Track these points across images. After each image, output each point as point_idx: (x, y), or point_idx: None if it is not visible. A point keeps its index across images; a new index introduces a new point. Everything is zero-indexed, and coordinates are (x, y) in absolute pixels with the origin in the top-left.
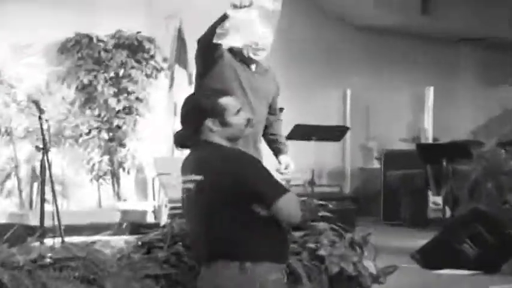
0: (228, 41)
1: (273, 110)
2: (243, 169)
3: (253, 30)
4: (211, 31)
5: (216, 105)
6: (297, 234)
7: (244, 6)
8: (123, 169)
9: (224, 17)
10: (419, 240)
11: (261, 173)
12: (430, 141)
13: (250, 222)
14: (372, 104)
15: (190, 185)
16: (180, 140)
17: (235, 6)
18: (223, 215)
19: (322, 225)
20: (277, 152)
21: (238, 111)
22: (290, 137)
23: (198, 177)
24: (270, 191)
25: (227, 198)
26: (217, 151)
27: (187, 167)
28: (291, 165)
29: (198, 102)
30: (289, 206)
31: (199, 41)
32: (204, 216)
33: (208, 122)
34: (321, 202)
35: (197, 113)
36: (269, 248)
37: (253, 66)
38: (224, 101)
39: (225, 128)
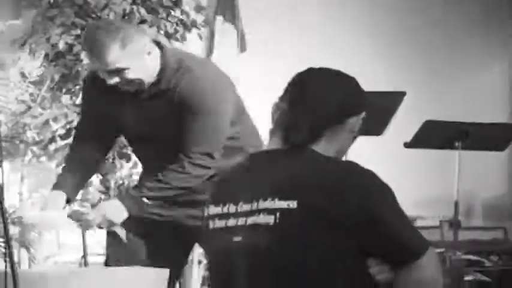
0: None
1: None
2: (377, 200)
3: None
4: None
5: (362, 97)
6: None
7: None
8: None
9: None
10: None
11: (399, 213)
12: None
13: None
14: None
15: (266, 218)
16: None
17: None
18: (318, 278)
19: None
20: None
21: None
22: (415, 143)
23: (289, 203)
24: (410, 240)
25: (343, 241)
26: (332, 163)
27: (254, 185)
28: None
29: (345, 84)
30: (431, 271)
31: None
32: (292, 276)
33: (353, 120)
34: (470, 257)
35: (345, 103)
36: None
37: None
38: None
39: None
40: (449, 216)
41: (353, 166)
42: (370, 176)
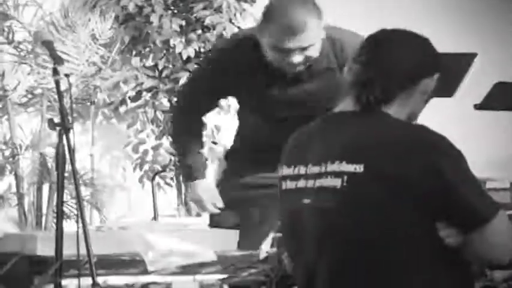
0: None
1: None
2: (448, 165)
3: None
4: None
5: (437, 58)
6: (498, 275)
7: None
8: None
9: None
10: None
11: (471, 178)
12: None
13: (424, 255)
14: None
15: (334, 180)
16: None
17: None
18: (387, 240)
19: None
20: None
21: None
22: (486, 105)
23: (355, 167)
24: (482, 206)
25: (414, 206)
26: (403, 126)
27: (320, 149)
28: None
29: (422, 42)
30: (501, 235)
31: None
32: (358, 239)
33: (427, 81)
34: None
35: (422, 61)
36: None
37: None
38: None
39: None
40: None
41: (424, 131)
42: (442, 141)
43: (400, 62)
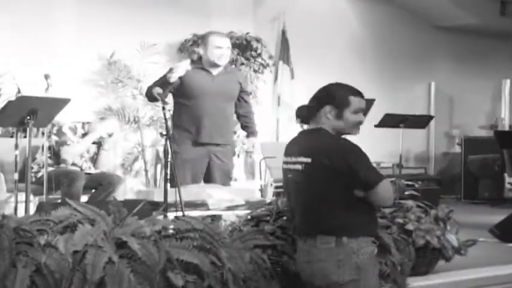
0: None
1: (244, 102)
2: (351, 157)
3: None
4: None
5: (343, 97)
6: (387, 210)
7: None
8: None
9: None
10: (497, 216)
11: (364, 162)
12: (507, 128)
13: (349, 203)
14: (455, 96)
15: (299, 166)
16: (300, 114)
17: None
18: (327, 195)
19: (409, 202)
20: (248, 134)
21: (358, 112)
22: (380, 124)
23: (307, 159)
24: (371, 177)
25: (333, 180)
26: (330, 138)
27: (295, 149)
28: (256, 145)
29: (330, 88)
30: (385, 192)
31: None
32: (309, 195)
33: (327, 108)
34: (408, 182)
35: (324, 96)
36: (363, 225)
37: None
38: (353, 98)
39: (338, 120)
40: (396, 162)
41: (340, 139)
42: (348, 144)
43: (318, 94)
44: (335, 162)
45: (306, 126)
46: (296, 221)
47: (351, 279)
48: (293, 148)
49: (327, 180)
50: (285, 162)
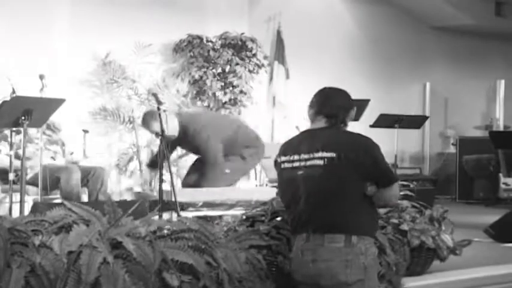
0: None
1: None
2: (376, 151)
3: None
4: None
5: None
6: (382, 211)
7: None
8: None
9: None
10: (491, 216)
11: (384, 160)
12: (501, 129)
13: (361, 201)
14: (450, 96)
15: (319, 161)
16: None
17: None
18: (344, 190)
19: (404, 203)
20: None
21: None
22: (375, 125)
23: (331, 154)
24: (391, 175)
25: (353, 174)
26: (353, 134)
27: (307, 147)
28: None
29: (347, 93)
30: (396, 191)
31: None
32: (327, 190)
33: (352, 112)
34: (403, 182)
35: (348, 101)
36: (369, 224)
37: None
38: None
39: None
40: (391, 162)
41: (360, 136)
42: (369, 140)
43: (342, 102)
44: (361, 156)
45: (303, 127)
46: (302, 220)
47: (358, 279)
48: (301, 146)
49: (349, 175)
50: (289, 161)
